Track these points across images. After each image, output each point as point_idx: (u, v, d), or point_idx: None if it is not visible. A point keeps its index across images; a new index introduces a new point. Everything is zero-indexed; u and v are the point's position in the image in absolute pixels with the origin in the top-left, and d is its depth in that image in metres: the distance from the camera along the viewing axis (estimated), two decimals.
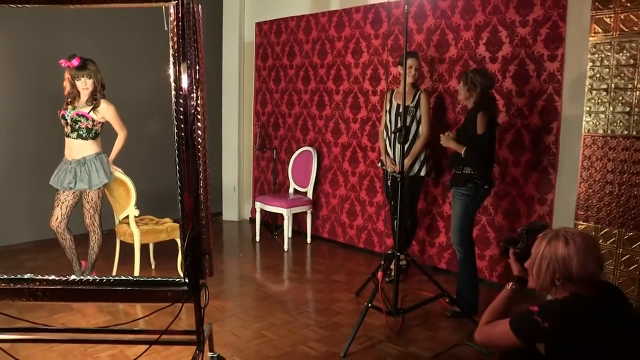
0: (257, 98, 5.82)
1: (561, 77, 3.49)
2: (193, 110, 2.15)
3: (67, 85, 3.52)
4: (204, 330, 2.33)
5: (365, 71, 4.68)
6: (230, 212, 5.97)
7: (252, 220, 5.59)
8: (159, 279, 2.35)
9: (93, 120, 3.50)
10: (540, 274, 1.71)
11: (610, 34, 2.97)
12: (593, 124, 3.09)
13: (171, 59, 2.12)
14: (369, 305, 2.96)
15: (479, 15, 3.87)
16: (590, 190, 3.11)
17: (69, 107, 3.52)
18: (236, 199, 5.94)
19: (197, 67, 2.13)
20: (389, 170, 3.91)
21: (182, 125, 2.14)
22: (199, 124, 2.18)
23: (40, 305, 3.26)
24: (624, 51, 2.93)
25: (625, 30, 2.92)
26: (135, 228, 3.80)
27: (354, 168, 4.85)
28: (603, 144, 3.05)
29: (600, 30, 3.01)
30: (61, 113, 3.53)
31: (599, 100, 3.05)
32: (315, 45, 5.09)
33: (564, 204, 3.50)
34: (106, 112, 3.53)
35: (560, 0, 3.45)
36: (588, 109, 3.10)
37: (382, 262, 3.25)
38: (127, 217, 3.84)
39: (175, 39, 2.09)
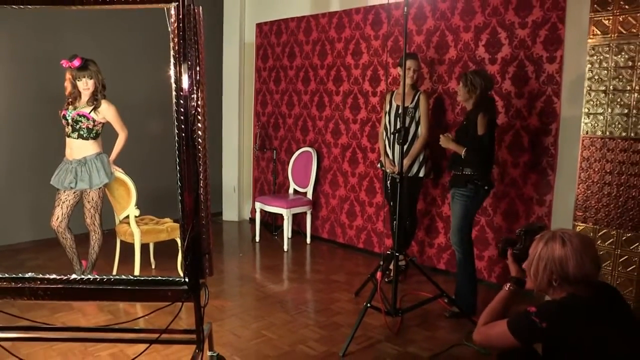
0: (257, 99, 5.84)
1: (560, 78, 3.51)
2: (193, 111, 2.16)
3: (68, 85, 3.54)
4: (203, 330, 2.34)
5: (365, 72, 4.70)
6: (230, 212, 5.98)
7: (252, 220, 5.61)
8: (159, 278, 2.37)
9: (94, 121, 3.52)
10: (538, 275, 1.72)
11: (609, 36, 2.98)
12: (591, 125, 3.10)
13: (172, 60, 2.13)
14: (368, 305, 2.97)
15: (479, 17, 3.89)
16: (589, 192, 3.12)
17: (70, 107, 3.53)
18: (236, 199, 5.96)
19: (198, 68, 2.14)
20: (388, 171, 3.93)
21: (183, 126, 2.15)
22: (199, 125, 2.20)
23: (41, 304, 3.27)
24: (623, 53, 2.94)
25: (624, 32, 2.93)
26: (135, 228, 3.82)
27: (354, 169, 4.86)
28: (601, 146, 3.07)
29: (598, 33, 3.02)
30: (62, 113, 3.55)
31: (598, 102, 3.06)
32: (316, 46, 5.11)
33: (562, 205, 3.52)
34: (107, 112, 3.54)
35: (559, 2, 3.47)
36: (587, 110, 3.11)
37: (382, 263, 3.27)
38: (127, 216, 3.85)
39: (176, 40, 2.10)
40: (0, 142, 4.56)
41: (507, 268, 2.01)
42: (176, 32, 2.10)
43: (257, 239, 5.11)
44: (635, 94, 2.92)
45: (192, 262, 2.23)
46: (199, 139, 2.20)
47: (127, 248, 3.93)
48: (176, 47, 2.11)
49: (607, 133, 3.04)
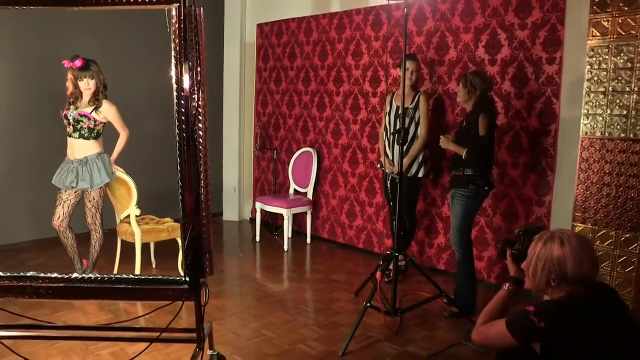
0: (258, 99, 5.85)
1: (560, 80, 3.52)
2: (194, 111, 2.18)
3: (70, 85, 3.56)
4: (204, 329, 2.35)
5: (365, 73, 4.71)
6: (230, 213, 5.99)
7: (253, 220, 5.62)
8: (160, 277, 2.38)
9: (95, 121, 3.53)
10: (537, 275, 1.73)
11: (608, 37, 3.00)
12: (591, 126, 3.11)
13: (173, 61, 2.15)
14: (368, 305, 2.98)
15: (479, 18, 3.90)
16: (588, 193, 3.13)
17: (72, 107, 3.55)
18: (237, 199, 5.97)
19: (199, 69, 2.16)
20: (387, 171, 3.94)
21: (184, 126, 2.17)
22: (200, 125, 2.21)
23: (42, 303, 3.29)
24: (622, 55, 2.96)
25: (623, 34, 2.94)
26: (136, 227, 3.83)
27: (354, 169, 4.88)
28: (601, 147, 3.08)
29: (598, 34, 3.03)
30: (64, 113, 3.56)
31: (597, 103, 3.07)
32: (316, 47, 5.12)
33: (562, 205, 3.53)
34: (108, 112, 3.56)
35: (559, 4, 3.48)
36: (586, 111, 3.12)
37: (381, 263, 3.28)
38: (128, 216, 3.87)
39: (177, 41, 2.12)
40: (2, 142, 4.58)
41: (507, 268, 2.02)
42: (177, 33, 2.12)
43: (258, 239, 5.13)
44: (635, 96, 2.93)
45: (193, 262, 2.25)
46: (200, 139, 2.22)
47: (128, 248, 3.95)
48: (177, 48, 2.13)
49: (607, 134, 3.05)
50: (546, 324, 1.63)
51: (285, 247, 4.85)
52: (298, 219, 5.30)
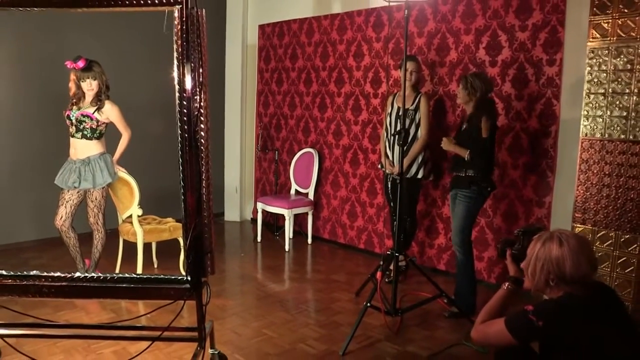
0: (259, 100, 5.87)
1: (560, 81, 3.53)
2: (196, 112, 2.20)
3: (72, 86, 3.58)
4: (205, 328, 2.37)
5: (366, 74, 4.73)
6: (232, 213, 6.01)
7: (254, 220, 5.64)
8: (162, 276, 2.40)
9: (97, 121, 3.55)
10: (535, 275, 1.75)
11: (608, 39, 3.01)
12: (591, 127, 3.12)
13: (175, 62, 2.17)
14: (368, 305, 3.00)
15: (479, 20, 3.91)
16: (588, 193, 3.15)
17: (74, 107, 3.57)
18: (238, 199, 5.99)
19: (201, 70, 2.18)
20: (387, 172, 3.96)
21: (186, 127, 2.19)
22: (202, 125, 2.23)
23: (44, 302, 3.31)
24: (622, 56, 2.97)
25: (623, 35, 2.95)
26: (138, 227, 3.85)
27: (355, 170, 4.89)
28: (600, 148, 3.09)
29: (598, 36, 3.04)
30: (66, 113, 3.59)
31: (597, 105, 3.09)
32: (318, 48, 5.14)
33: (561, 206, 3.54)
34: (110, 112, 3.58)
35: (559, 6, 3.49)
36: (586, 113, 3.13)
37: (382, 263, 3.29)
38: (130, 216, 3.89)
39: (179, 42, 2.14)
40: (5, 142, 4.60)
41: (506, 268, 2.03)
42: (179, 34, 2.13)
43: (259, 239, 5.15)
44: (634, 97, 2.95)
45: (194, 261, 2.26)
46: (202, 140, 2.24)
47: (130, 247, 3.97)
48: (179, 49, 2.15)
49: (606, 135, 3.06)
50: (544, 323, 1.64)
51: (286, 247, 4.87)
52: (299, 219, 5.31)
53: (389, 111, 4.01)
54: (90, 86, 3.52)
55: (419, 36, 4.29)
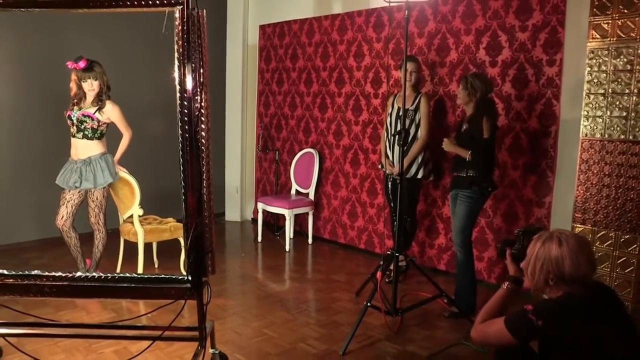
0: (260, 100, 5.88)
1: (560, 81, 3.54)
2: (197, 112, 2.20)
3: (73, 86, 3.59)
4: (206, 327, 2.38)
5: (367, 74, 4.73)
6: (232, 213, 6.02)
7: (254, 220, 5.65)
8: (163, 276, 2.41)
9: (98, 121, 3.56)
10: (535, 274, 1.75)
11: (608, 39, 3.01)
12: (590, 128, 3.13)
13: (176, 62, 2.18)
14: (368, 304, 3.00)
15: (479, 20, 3.92)
16: (588, 194, 3.15)
17: (75, 107, 3.58)
18: (239, 199, 6.00)
19: (201, 70, 2.19)
20: (387, 172, 3.97)
21: (186, 127, 2.20)
22: (202, 126, 2.24)
23: (45, 302, 3.32)
24: (621, 57, 2.97)
25: (622, 36, 2.96)
26: (139, 227, 3.86)
27: (355, 170, 4.90)
28: (600, 148, 3.09)
29: (598, 36, 3.05)
30: (67, 113, 3.60)
31: (597, 105, 3.09)
32: (318, 48, 5.15)
33: (561, 206, 3.54)
34: (111, 113, 3.59)
35: (559, 6, 3.50)
36: (586, 113, 3.14)
37: (382, 263, 3.30)
38: (131, 216, 3.90)
39: (180, 42, 2.15)
40: (6, 141, 4.61)
41: (506, 268, 2.04)
42: (180, 34, 2.14)
43: (259, 239, 5.15)
44: (634, 97, 2.95)
45: (195, 260, 2.27)
46: (203, 140, 2.25)
47: (131, 247, 3.98)
48: (180, 50, 2.16)
49: (606, 135, 3.07)
50: (544, 322, 1.65)
51: (287, 247, 4.87)
52: (299, 220, 5.32)
53: (390, 111, 4.02)
54: (91, 86, 3.53)
55: (419, 36, 4.30)
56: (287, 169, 5.46)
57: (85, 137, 3.57)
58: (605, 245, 3.09)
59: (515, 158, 3.79)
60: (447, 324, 3.27)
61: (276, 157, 5.60)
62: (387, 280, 3.73)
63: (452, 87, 4.11)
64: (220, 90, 5.84)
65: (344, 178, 5.00)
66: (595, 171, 3.12)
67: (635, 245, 2.98)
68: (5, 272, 2.35)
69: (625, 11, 2.94)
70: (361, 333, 3.03)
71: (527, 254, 1.81)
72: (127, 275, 2.40)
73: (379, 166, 4.38)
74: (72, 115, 3.56)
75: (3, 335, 2.47)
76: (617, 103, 3.02)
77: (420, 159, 3.92)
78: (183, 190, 2.25)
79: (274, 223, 5.44)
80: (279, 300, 3.63)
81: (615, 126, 3.03)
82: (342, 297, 3.70)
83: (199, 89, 2.18)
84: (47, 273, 2.35)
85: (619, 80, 3.00)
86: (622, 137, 3.01)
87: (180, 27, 2.14)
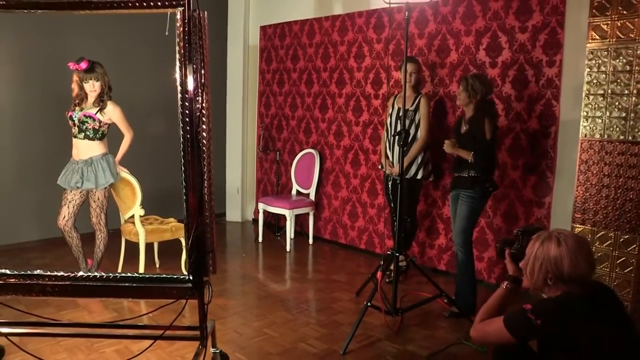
0: (261, 100, 5.89)
1: (559, 82, 3.55)
2: (198, 113, 2.22)
3: (75, 87, 3.61)
4: (207, 327, 2.39)
5: (367, 75, 4.75)
6: (233, 213, 6.03)
7: (255, 221, 5.66)
8: (164, 276, 2.42)
9: (100, 122, 3.58)
10: (534, 274, 1.76)
11: (607, 40, 3.03)
12: (590, 128, 3.14)
13: (177, 63, 2.19)
14: (368, 304, 3.01)
15: (480, 21, 3.93)
16: (587, 194, 3.16)
17: (77, 108, 3.60)
18: (239, 200, 6.01)
19: (203, 71, 2.20)
20: (387, 172, 3.98)
21: (188, 127, 2.21)
22: (203, 126, 2.25)
23: (47, 302, 3.33)
24: (620, 57, 2.99)
25: (622, 37, 2.97)
26: (140, 227, 3.87)
27: (356, 170, 4.91)
28: (600, 149, 3.10)
29: (597, 37, 3.06)
30: (69, 114, 3.61)
31: (596, 106, 3.10)
32: (319, 49, 5.16)
33: (561, 207, 3.55)
34: (113, 113, 3.61)
35: (559, 7, 3.51)
36: (585, 114, 3.15)
37: (382, 263, 3.31)
38: (132, 216, 3.91)
39: (181, 43, 2.16)
40: (8, 142, 4.63)
41: (506, 269, 2.05)
42: (182, 36, 2.16)
43: (260, 239, 5.17)
44: (633, 98, 2.96)
45: (196, 260, 2.28)
46: (204, 140, 2.26)
47: (132, 247, 3.99)
48: (181, 51, 2.17)
49: (606, 136, 3.08)
50: (543, 321, 1.66)
51: (287, 248, 4.89)
52: (300, 220, 5.33)
53: (390, 112, 4.04)
54: (92, 87, 3.55)
55: (420, 37, 4.31)
56: (288, 170, 5.47)
57: (86, 137, 3.58)
58: (604, 245, 3.10)
59: (515, 158, 3.80)
60: (447, 324, 3.28)
61: (277, 158, 5.61)
62: (387, 280, 3.74)
63: (452, 88, 4.12)
64: (221, 91, 5.86)
65: (345, 178, 5.02)
66: (594, 171, 3.13)
67: (634, 246, 2.99)
68: (8, 271, 2.37)
69: (625, 12, 2.95)
70: (361, 333, 3.04)
71: (526, 253, 1.82)
72: (129, 275, 2.41)
73: (379, 167, 4.39)
74: (73, 116, 3.58)
75: (6, 335, 2.48)
76: (617, 104, 3.03)
77: (420, 159, 3.93)
78: (184, 191, 2.27)
79: (274, 223, 5.45)
80: (280, 300, 3.64)
81: (615, 127, 3.04)
82: (343, 297, 3.72)
83: (200, 90, 2.20)
84: (49, 273, 2.36)
85: (619, 81, 3.01)
86: (622, 137, 3.02)
87: (181, 29, 2.15)
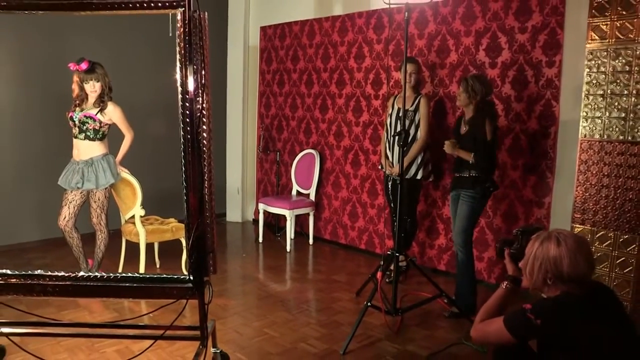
0: (261, 101, 5.90)
1: (559, 82, 3.55)
2: (199, 114, 2.22)
3: (75, 88, 3.62)
4: (207, 327, 2.40)
5: (367, 75, 4.75)
6: (233, 213, 6.04)
7: (255, 221, 5.67)
8: (165, 276, 2.43)
9: (100, 122, 3.59)
10: (533, 274, 1.76)
11: (607, 41, 3.03)
12: (590, 129, 3.14)
13: (178, 64, 2.20)
14: (368, 304, 3.02)
15: (479, 22, 3.94)
16: (587, 194, 3.17)
17: (77, 109, 3.61)
18: (240, 200, 6.01)
19: (203, 72, 2.21)
20: (387, 172, 3.99)
21: (188, 128, 2.21)
22: (204, 127, 2.26)
23: (48, 302, 3.34)
24: (620, 58, 2.99)
25: (621, 37, 2.98)
26: (140, 227, 3.88)
27: (356, 171, 4.92)
28: (599, 149, 3.11)
29: (596, 37, 3.07)
30: (69, 115, 3.62)
31: (596, 106, 3.11)
32: (319, 50, 5.17)
33: (561, 207, 3.56)
34: (113, 114, 3.62)
35: (559, 8, 3.52)
36: (585, 114, 3.15)
37: (382, 263, 3.32)
38: (133, 216, 3.92)
39: (181, 44, 2.17)
40: (9, 143, 4.64)
41: (505, 269, 2.05)
42: (182, 36, 2.16)
43: (260, 239, 5.17)
44: (633, 98, 2.97)
45: (197, 260, 2.29)
46: (204, 141, 2.27)
47: (133, 247, 4.00)
48: (182, 51, 2.17)
49: (605, 136, 3.08)
50: (542, 321, 1.66)
51: (288, 248, 4.89)
52: (300, 220, 5.34)
53: (390, 112, 4.04)
54: (93, 88, 3.56)
55: (420, 38, 4.32)
56: (288, 170, 5.48)
57: (87, 138, 3.59)
58: (604, 245, 3.11)
59: (515, 159, 3.81)
60: (447, 324, 3.29)
61: (277, 158, 5.62)
62: (387, 280, 3.74)
63: (452, 89, 4.13)
64: (222, 92, 5.86)
65: (345, 179, 5.02)
66: (594, 172, 3.13)
67: (634, 245, 3.00)
68: (9, 272, 2.37)
69: (624, 13, 2.95)
70: (361, 333, 3.05)
71: (525, 253, 1.82)
72: (129, 275, 2.41)
73: (379, 167, 4.40)
74: (74, 117, 3.59)
75: (6, 335, 2.48)
76: (616, 104, 3.03)
77: (420, 159, 3.94)
78: (185, 191, 2.27)
79: (275, 224, 5.46)
80: (280, 300, 3.65)
81: (614, 127, 3.05)
82: (343, 297, 3.72)
83: (200, 91, 2.20)
84: (50, 273, 2.37)
85: (618, 81, 3.02)
86: (621, 137, 3.02)
87: (182, 29, 2.16)
